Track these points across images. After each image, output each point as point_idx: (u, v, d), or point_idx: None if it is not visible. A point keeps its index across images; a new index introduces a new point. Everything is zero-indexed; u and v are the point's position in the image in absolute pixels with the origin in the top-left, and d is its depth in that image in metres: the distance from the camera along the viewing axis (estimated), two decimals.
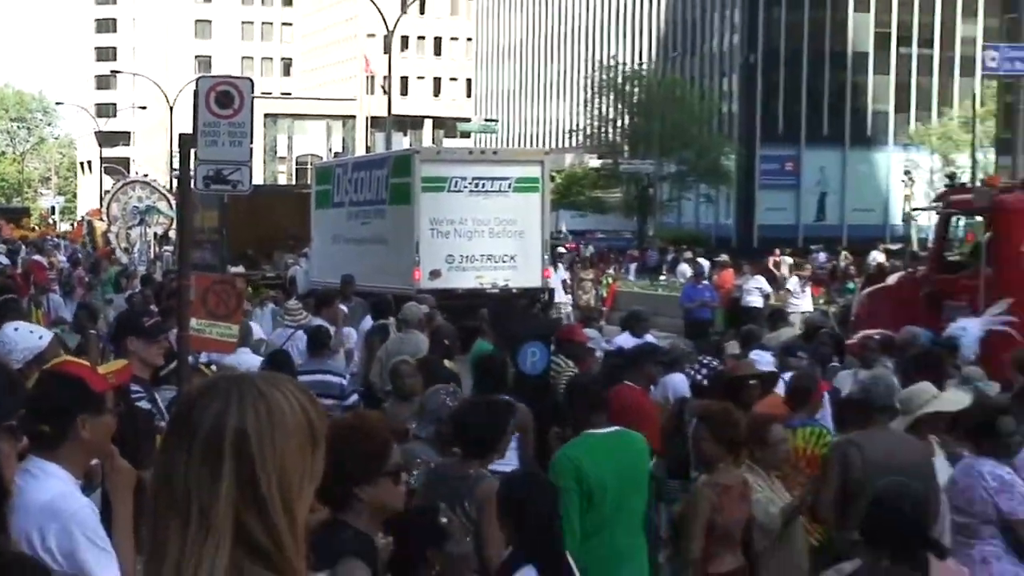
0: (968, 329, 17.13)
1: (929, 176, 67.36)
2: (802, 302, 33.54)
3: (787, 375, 12.12)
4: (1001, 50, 48.40)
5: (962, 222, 21.60)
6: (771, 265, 46.53)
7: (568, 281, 35.84)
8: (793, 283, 36.40)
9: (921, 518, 6.96)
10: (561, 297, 30.55)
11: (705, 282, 34.43)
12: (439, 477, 7.93)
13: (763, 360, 13.08)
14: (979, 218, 21.01)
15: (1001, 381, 12.63)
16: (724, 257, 43.67)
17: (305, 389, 2.79)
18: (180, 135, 13.19)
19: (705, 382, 11.90)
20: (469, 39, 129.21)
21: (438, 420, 8.70)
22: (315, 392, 2.98)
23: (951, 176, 40.40)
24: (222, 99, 13.28)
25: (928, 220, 22.01)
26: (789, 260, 50.23)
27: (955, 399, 10.27)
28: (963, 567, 7.73)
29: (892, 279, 24.37)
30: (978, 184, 25.06)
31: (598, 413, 8.65)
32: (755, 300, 32.63)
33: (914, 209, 24.47)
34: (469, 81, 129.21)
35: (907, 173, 72.59)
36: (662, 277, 53.94)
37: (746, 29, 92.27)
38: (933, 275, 21.29)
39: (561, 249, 47.27)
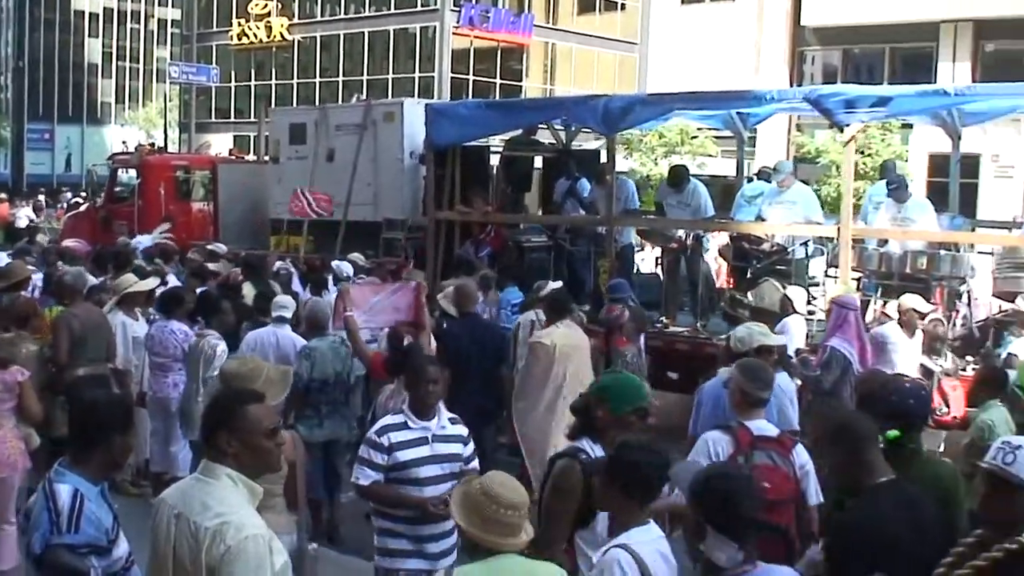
0: (140, 241, 16.56)
1: (124, 145, 66.27)
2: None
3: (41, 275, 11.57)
4: (180, 66, 48.73)
5: (126, 172, 21.75)
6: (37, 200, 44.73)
7: None
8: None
9: None
10: None
11: None
12: None
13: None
14: (135, 171, 21.04)
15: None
16: (3, 195, 41.63)
17: None
18: None
19: None
20: None
21: None
22: None
23: (151, 144, 40.24)
24: None
25: (107, 170, 21.99)
26: (43, 198, 48.56)
27: (145, 283, 10.16)
28: None
29: (83, 208, 24.32)
30: (136, 150, 25.25)
31: None
32: (23, 222, 31.78)
33: (95, 164, 24.54)
34: None
35: (124, 143, 70.71)
36: None
37: (16, 43, 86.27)
38: (107, 205, 21.09)
39: None
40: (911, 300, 9.59)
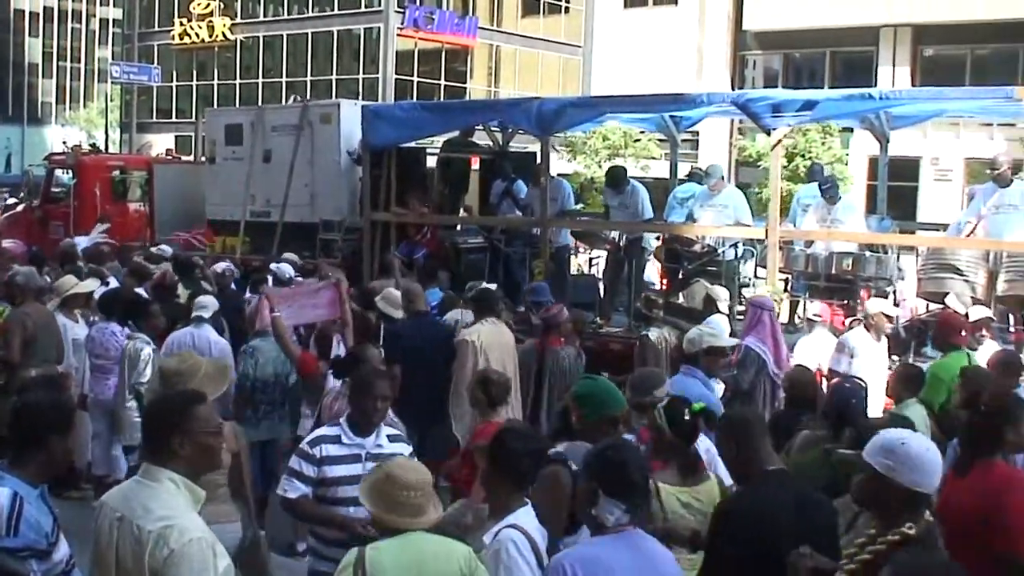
0: (81, 241, 16.11)
1: (64, 145, 65.50)
2: None
3: None
4: (122, 65, 48.20)
5: (63, 172, 21.58)
6: None
7: None
8: None
9: None
10: None
11: None
12: None
13: None
14: (71, 171, 20.98)
15: None
16: None
17: None
18: None
19: None
20: None
21: None
22: None
23: (92, 145, 39.53)
24: None
25: (43, 171, 21.78)
26: None
27: (86, 285, 10.07)
28: None
29: (20, 207, 24.05)
30: (70, 151, 24.95)
31: None
32: None
33: (32, 165, 24.09)
34: None
35: (64, 143, 69.54)
36: None
37: None
38: (43, 205, 20.91)
39: None
40: (878, 304, 9.53)
